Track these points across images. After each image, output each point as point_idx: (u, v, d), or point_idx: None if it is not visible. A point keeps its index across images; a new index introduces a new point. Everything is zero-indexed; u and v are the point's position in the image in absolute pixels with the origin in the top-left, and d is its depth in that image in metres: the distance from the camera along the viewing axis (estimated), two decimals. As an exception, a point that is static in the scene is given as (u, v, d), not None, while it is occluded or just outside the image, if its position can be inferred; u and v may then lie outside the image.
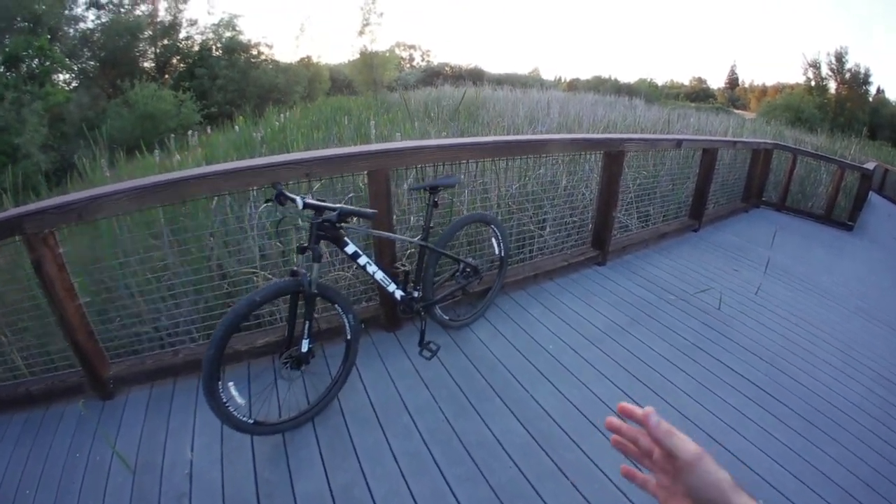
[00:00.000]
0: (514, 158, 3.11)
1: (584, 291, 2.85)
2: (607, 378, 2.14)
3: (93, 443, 1.85)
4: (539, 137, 2.82)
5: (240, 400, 1.65)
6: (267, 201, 1.71)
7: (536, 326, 2.50)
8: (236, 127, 6.84)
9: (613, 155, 2.86)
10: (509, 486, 1.59)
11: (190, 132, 6.01)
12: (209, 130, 8.10)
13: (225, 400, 1.58)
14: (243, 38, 20.28)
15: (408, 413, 1.91)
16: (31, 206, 1.77)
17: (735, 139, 4.27)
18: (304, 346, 1.74)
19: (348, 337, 1.90)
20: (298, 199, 1.58)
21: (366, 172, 2.12)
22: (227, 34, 20.04)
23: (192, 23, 20.24)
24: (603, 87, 21.11)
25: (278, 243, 2.32)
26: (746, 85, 50.98)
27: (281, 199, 1.63)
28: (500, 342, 2.36)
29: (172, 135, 5.16)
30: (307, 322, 1.72)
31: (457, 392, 2.02)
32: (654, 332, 2.52)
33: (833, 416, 2.08)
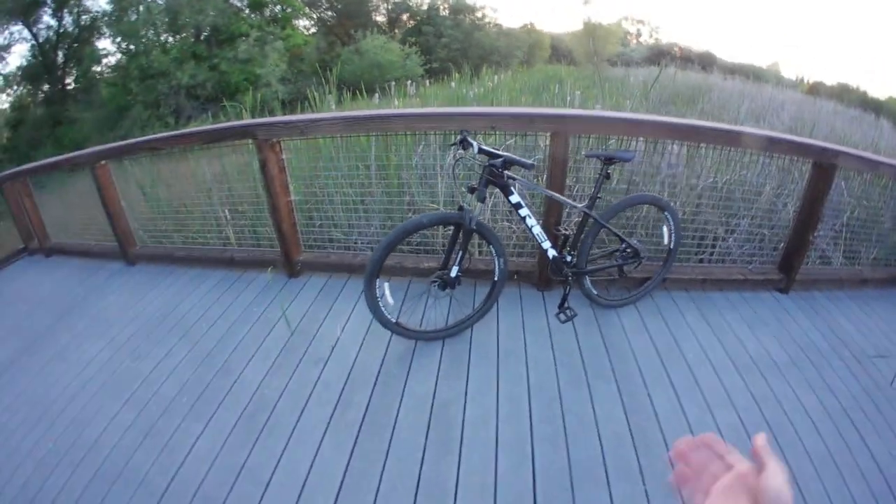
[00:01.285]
0: (716, 148, 2.92)
1: (752, 314, 2.62)
2: (735, 409, 2.00)
3: (269, 305, 2.53)
4: (731, 128, 2.55)
5: (390, 299, 2.06)
6: (451, 145, 2.02)
7: (685, 332, 2.43)
8: (452, 83, 7.61)
9: (823, 168, 2.51)
10: (585, 465, 1.68)
11: (410, 82, 6.94)
12: (427, 84, 9.28)
13: (379, 295, 2.01)
14: (469, 0, 21.93)
15: (525, 364, 2.11)
16: (264, 119, 2.44)
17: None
18: (454, 272, 2.08)
19: (495, 278, 2.20)
20: (475, 144, 1.86)
21: (549, 134, 2.30)
22: None
23: None
24: (847, 97, 17.74)
25: (453, 181, 2.66)
26: None
27: (464, 144, 1.92)
28: (640, 335, 2.37)
29: (394, 83, 6.07)
30: (461, 252, 2.04)
31: (578, 363, 2.13)
32: (809, 382, 2.23)
33: None
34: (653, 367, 2.17)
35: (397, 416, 1.84)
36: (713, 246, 2.89)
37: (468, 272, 2.54)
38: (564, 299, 2.30)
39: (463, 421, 1.82)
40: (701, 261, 2.90)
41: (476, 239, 2.58)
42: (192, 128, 2.92)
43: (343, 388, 1.98)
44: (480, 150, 1.86)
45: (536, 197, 2.69)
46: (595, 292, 2.42)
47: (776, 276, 2.79)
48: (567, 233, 2.29)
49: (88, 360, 2.36)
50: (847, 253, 3.17)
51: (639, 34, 34.60)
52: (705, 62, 23.13)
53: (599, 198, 2.18)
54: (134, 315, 2.70)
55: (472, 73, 8.38)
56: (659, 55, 24.69)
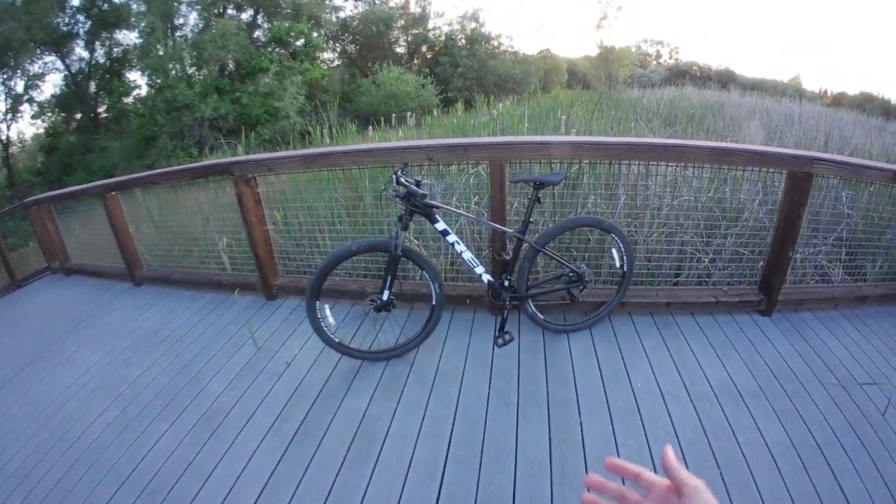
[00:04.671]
0: (698, 167, 3.19)
1: (722, 339, 2.80)
2: (678, 443, 2.13)
3: (244, 324, 3.12)
4: (669, 142, 2.77)
5: (331, 320, 2.58)
6: (388, 181, 2.48)
7: (638, 359, 2.66)
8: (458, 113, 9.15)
9: (797, 178, 2.65)
10: (493, 491, 1.94)
11: (409, 114, 8.36)
12: (435, 113, 11.27)
13: (320, 316, 2.52)
14: (485, 30, 24.86)
15: (459, 387, 2.49)
16: (238, 158, 3.10)
17: None
18: (385, 296, 2.53)
19: (433, 302, 2.62)
20: (394, 176, 2.31)
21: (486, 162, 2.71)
22: (471, 26, 24.91)
23: (440, 15, 26.51)
24: (869, 106, 18.80)
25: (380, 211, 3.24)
26: None
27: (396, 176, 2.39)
28: (587, 360, 2.65)
29: (393, 115, 7.17)
30: (390, 277, 2.49)
31: (512, 388, 2.47)
32: (778, 413, 2.33)
33: None
34: (593, 394, 2.41)
35: (327, 429, 2.30)
36: (689, 268, 3.12)
37: (412, 296, 3.03)
38: (503, 324, 2.66)
39: (385, 437, 2.23)
40: (676, 283, 3.12)
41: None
42: (180, 165, 3.66)
43: (288, 401, 2.49)
44: (398, 182, 2.32)
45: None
46: (542, 317, 2.75)
47: (755, 297, 2.96)
48: (506, 258, 2.66)
49: (88, 367, 3.10)
50: (850, 269, 3.27)
51: (658, 55, 38.11)
52: (724, 79, 24.86)
53: (532, 222, 2.53)
54: (132, 329, 3.45)
55: (486, 102, 9.95)
56: (678, 75, 26.97)
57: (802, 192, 2.69)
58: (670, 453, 0.58)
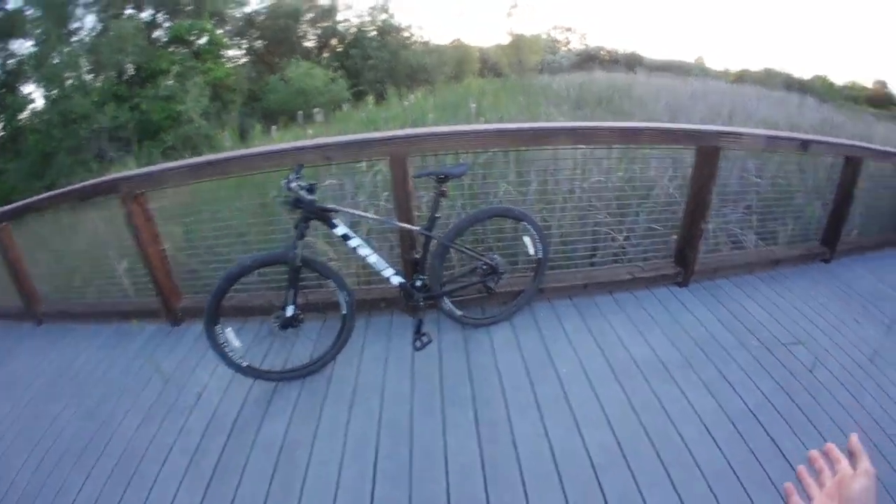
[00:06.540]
0: (609, 148, 3.22)
1: (643, 315, 2.83)
2: (610, 426, 2.13)
3: (150, 355, 2.88)
4: (579, 125, 2.78)
5: (235, 343, 2.37)
6: (282, 187, 2.31)
7: (561, 344, 2.64)
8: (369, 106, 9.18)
9: (707, 152, 2.72)
10: (426, 500, 1.87)
11: (315, 110, 8.30)
12: (343, 108, 11.16)
13: (222, 342, 2.32)
14: (395, 21, 24.57)
15: (380, 398, 2.37)
16: (126, 174, 2.81)
17: (891, 149, 3.50)
18: (289, 311, 2.36)
19: (343, 311, 2.46)
20: (284, 181, 2.14)
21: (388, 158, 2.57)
22: (381, 17, 24.45)
23: (349, 6, 25.71)
24: (772, 81, 21.27)
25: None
26: (937, 93, 39.44)
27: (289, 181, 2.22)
28: (510, 352, 2.60)
29: (300, 112, 6.91)
30: (291, 290, 2.32)
31: (435, 392, 2.37)
32: (706, 383, 2.37)
33: None
34: (519, 388, 2.36)
35: (246, 462, 2.12)
36: (605, 247, 3.14)
37: (324, 306, 2.83)
38: (419, 325, 2.56)
39: (308, 463, 2.08)
40: (593, 264, 3.13)
41: None
42: (66, 188, 3.28)
43: (202, 436, 2.28)
44: (288, 188, 2.15)
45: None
46: (459, 313, 2.68)
47: (671, 269, 3.01)
48: (416, 256, 2.55)
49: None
50: (762, 234, 3.40)
51: (567, 41, 38.83)
52: (631, 63, 26.97)
53: (438, 217, 2.43)
54: (36, 375, 3.09)
55: (398, 93, 10.13)
56: (587, 60, 28.45)
57: (711, 166, 2.75)
58: (855, 440, 0.65)
